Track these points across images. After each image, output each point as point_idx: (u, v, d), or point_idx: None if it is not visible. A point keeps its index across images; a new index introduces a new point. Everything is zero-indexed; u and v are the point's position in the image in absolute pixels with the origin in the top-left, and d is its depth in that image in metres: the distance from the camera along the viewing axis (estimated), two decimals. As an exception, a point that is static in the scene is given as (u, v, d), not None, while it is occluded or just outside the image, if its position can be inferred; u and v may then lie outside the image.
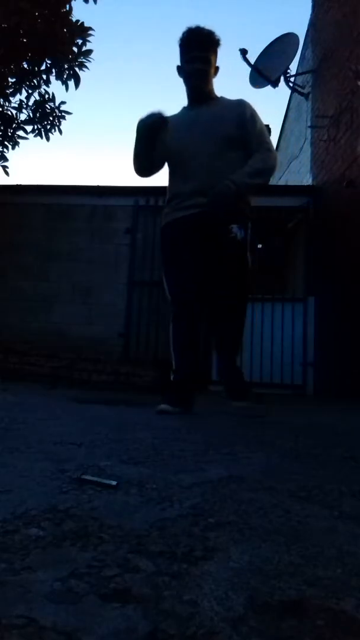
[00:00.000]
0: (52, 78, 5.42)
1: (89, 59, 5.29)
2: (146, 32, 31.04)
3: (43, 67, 5.38)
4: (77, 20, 5.12)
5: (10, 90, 5.49)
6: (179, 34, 2.57)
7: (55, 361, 4.82)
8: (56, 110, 5.61)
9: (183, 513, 0.83)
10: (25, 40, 5.08)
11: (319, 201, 5.64)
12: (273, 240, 6.75)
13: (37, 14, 4.90)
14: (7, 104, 5.61)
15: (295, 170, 7.02)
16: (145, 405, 2.77)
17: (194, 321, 2.54)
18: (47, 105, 5.60)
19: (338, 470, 1.27)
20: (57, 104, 5.59)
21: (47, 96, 5.58)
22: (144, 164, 2.66)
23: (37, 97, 5.59)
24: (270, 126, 6.48)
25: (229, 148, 2.51)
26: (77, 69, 5.30)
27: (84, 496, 0.89)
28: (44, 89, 5.56)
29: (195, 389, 2.56)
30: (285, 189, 6.38)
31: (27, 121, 5.66)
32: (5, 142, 5.69)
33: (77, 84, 5.33)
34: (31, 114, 5.64)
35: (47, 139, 5.64)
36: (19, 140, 5.71)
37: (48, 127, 5.63)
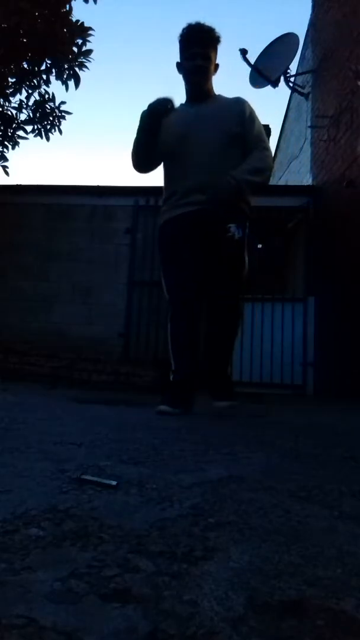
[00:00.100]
0: (52, 78, 5.42)
1: (89, 59, 5.30)
2: (146, 32, 31.05)
3: (43, 67, 5.37)
4: (77, 20, 5.12)
5: (10, 90, 5.48)
6: (179, 33, 2.56)
7: (55, 361, 4.82)
8: (56, 110, 5.61)
9: (183, 513, 0.83)
10: (25, 40, 5.07)
11: (319, 201, 5.64)
12: (273, 240, 6.75)
13: (37, 14, 4.90)
14: (7, 104, 5.61)
15: (295, 170, 7.02)
16: (145, 405, 2.77)
17: (193, 320, 2.52)
18: (47, 105, 5.60)
19: (338, 470, 1.27)
20: (57, 104, 5.60)
21: (47, 96, 5.58)
22: (145, 157, 2.61)
23: (37, 97, 5.60)
24: (270, 126, 6.50)
25: (230, 145, 2.50)
26: (77, 69, 5.30)
27: (84, 496, 0.89)
28: (44, 89, 5.57)
29: (195, 389, 2.55)
30: (285, 189, 6.38)
31: (27, 121, 5.66)
32: (5, 142, 5.69)
33: (77, 84, 5.33)
34: (31, 114, 5.64)
35: (47, 139, 5.64)
36: (19, 140, 5.71)
37: (48, 127, 5.63)
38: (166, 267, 2.61)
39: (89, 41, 5.24)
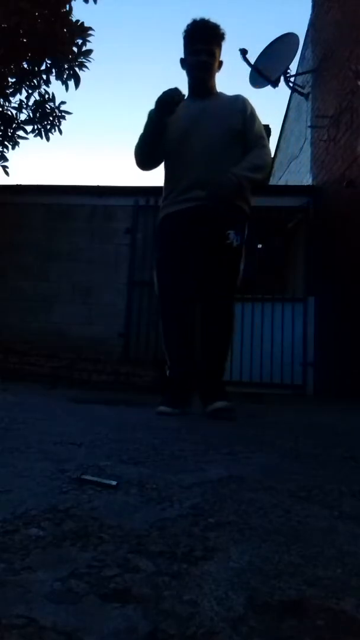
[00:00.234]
0: (52, 78, 5.42)
1: (89, 59, 5.30)
2: (146, 32, 31.05)
3: (43, 67, 5.37)
4: (77, 20, 5.12)
5: (10, 90, 5.48)
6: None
7: (55, 361, 4.82)
8: (56, 110, 5.61)
9: (183, 513, 0.83)
10: (25, 40, 5.07)
11: (319, 201, 5.64)
12: (273, 240, 6.75)
13: (37, 14, 4.90)
14: (7, 104, 5.61)
15: (295, 170, 7.02)
16: (145, 405, 2.77)
17: (188, 319, 2.50)
18: (47, 105, 5.60)
19: (338, 470, 1.27)
20: (57, 104, 5.60)
21: (47, 96, 5.58)
22: (150, 153, 2.58)
23: (37, 97, 5.60)
24: (270, 126, 6.50)
25: (231, 143, 2.50)
26: (77, 69, 5.30)
27: (84, 496, 0.89)
28: (44, 89, 5.57)
29: (193, 388, 2.54)
30: (285, 189, 6.39)
31: (27, 121, 5.66)
32: (5, 142, 5.69)
33: (77, 84, 5.33)
34: (31, 114, 5.64)
35: (47, 139, 5.64)
36: (19, 140, 5.71)
37: (48, 127, 5.63)
38: (161, 263, 2.58)
39: (89, 41, 5.24)
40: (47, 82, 5.50)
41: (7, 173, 5.73)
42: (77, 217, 5.96)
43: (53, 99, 5.59)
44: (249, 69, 6.17)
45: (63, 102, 5.60)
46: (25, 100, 5.60)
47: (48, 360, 4.82)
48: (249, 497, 0.94)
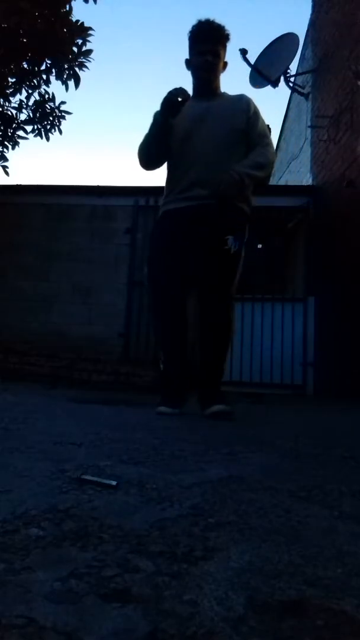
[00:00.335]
0: (52, 78, 5.42)
1: (89, 59, 5.29)
2: (146, 32, 31.05)
3: (43, 67, 5.37)
4: (77, 20, 5.11)
5: (10, 90, 5.48)
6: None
7: (55, 361, 4.82)
8: (56, 110, 5.60)
9: (183, 513, 0.83)
10: (25, 40, 5.07)
11: (319, 201, 5.64)
12: (273, 240, 6.75)
13: (37, 14, 4.89)
14: (7, 104, 5.61)
15: (295, 170, 7.02)
16: (145, 405, 2.77)
17: (178, 313, 2.50)
18: (47, 105, 5.59)
19: (338, 470, 1.27)
20: (57, 104, 5.59)
21: (47, 96, 5.58)
22: (156, 154, 2.57)
23: (37, 97, 5.59)
24: (270, 126, 6.49)
25: (235, 142, 2.50)
26: (77, 69, 5.30)
27: (84, 496, 0.89)
28: (44, 89, 5.56)
29: (188, 386, 2.53)
30: (285, 189, 6.39)
31: (27, 121, 5.65)
32: (5, 142, 5.68)
33: (77, 84, 5.33)
34: (31, 114, 5.63)
35: (47, 139, 5.64)
36: (19, 140, 5.71)
37: (48, 127, 5.63)
38: (155, 258, 2.58)
39: (89, 41, 5.24)
40: (47, 82, 5.50)
41: (7, 173, 5.73)
42: (77, 217, 5.96)
43: (53, 99, 5.59)
44: (249, 69, 6.18)
45: (63, 102, 5.61)
46: (25, 100, 5.60)
47: (48, 360, 4.82)
48: (249, 497, 0.94)
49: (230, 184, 2.38)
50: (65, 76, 5.30)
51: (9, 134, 5.67)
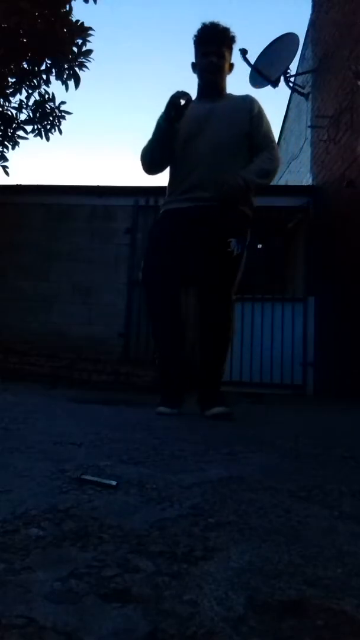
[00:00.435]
0: (52, 78, 5.42)
1: (89, 59, 5.29)
2: (146, 32, 31.05)
3: (43, 67, 5.37)
4: (77, 20, 5.11)
5: (10, 90, 5.48)
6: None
7: (55, 361, 4.82)
8: (56, 110, 5.60)
9: (183, 513, 0.83)
10: (25, 40, 5.07)
11: (319, 201, 5.64)
12: (273, 240, 6.75)
13: (37, 14, 4.89)
14: (7, 104, 5.61)
15: (295, 170, 7.02)
16: (145, 405, 2.77)
17: (178, 316, 2.49)
18: (47, 105, 5.59)
19: (338, 470, 1.27)
20: (57, 104, 5.59)
21: (47, 96, 5.58)
22: (160, 158, 2.55)
23: (37, 97, 5.59)
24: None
25: (238, 144, 2.49)
26: (77, 69, 5.29)
27: (84, 496, 0.89)
28: (44, 89, 5.56)
29: (187, 385, 2.52)
30: (285, 189, 6.38)
31: (27, 121, 5.65)
32: (5, 142, 5.68)
33: (77, 84, 5.33)
34: (31, 114, 5.63)
35: (47, 139, 5.64)
36: (19, 140, 5.71)
37: (48, 127, 5.63)
38: (152, 254, 2.56)
39: (89, 41, 5.24)
40: (47, 82, 5.50)
41: (7, 173, 5.73)
42: (77, 217, 5.96)
43: (53, 99, 5.59)
44: (249, 69, 6.18)
45: (63, 102, 5.61)
46: (25, 100, 5.60)
47: (48, 360, 4.82)
48: (249, 497, 0.94)
49: (234, 189, 2.37)
50: (65, 76, 5.30)
51: (9, 134, 5.67)
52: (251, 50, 6.05)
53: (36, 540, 0.68)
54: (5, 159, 5.71)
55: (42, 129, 5.62)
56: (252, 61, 6.10)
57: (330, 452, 1.51)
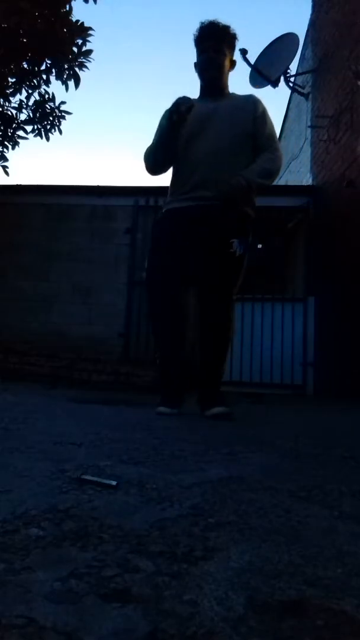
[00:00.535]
0: (52, 78, 5.42)
1: (89, 59, 5.29)
2: (146, 32, 31.05)
3: (43, 67, 5.37)
4: (77, 20, 5.11)
5: (10, 90, 5.48)
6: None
7: (55, 361, 4.82)
8: (56, 110, 5.60)
9: (183, 513, 0.83)
10: (25, 40, 5.07)
11: (319, 201, 5.64)
12: (273, 240, 6.74)
13: (37, 14, 4.89)
14: (7, 104, 5.61)
15: (295, 170, 7.01)
16: (145, 405, 2.77)
17: (179, 316, 2.49)
18: (47, 105, 5.59)
19: (338, 470, 1.27)
20: (57, 104, 5.59)
21: (47, 96, 5.58)
22: (163, 160, 2.55)
23: (37, 97, 5.59)
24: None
25: (241, 144, 2.48)
26: (77, 69, 5.29)
27: (84, 496, 0.89)
28: (44, 89, 5.56)
29: (187, 385, 2.52)
30: (285, 189, 6.38)
31: (27, 121, 5.65)
32: (5, 142, 5.68)
33: (77, 84, 5.33)
34: (31, 114, 5.63)
35: (47, 139, 5.64)
36: (19, 140, 5.71)
37: (48, 127, 5.63)
38: (154, 254, 2.56)
39: (89, 41, 5.24)
40: (47, 82, 5.50)
41: (7, 173, 5.73)
42: (77, 217, 5.96)
43: (53, 99, 5.59)
44: (249, 69, 6.18)
45: (63, 102, 5.60)
46: (25, 100, 5.60)
47: (48, 360, 4.82)
48: (249, 497, 0.94)
49: (237, 189, 2.37)
50: (65, 76, 5.30)
51: (9, 134, 5.67)
52: (251, 50, 6.07)
53: (36, 540, 0.68)
54: (5, 159, 5.71)
55: (42, 129, 5.62)
56: (252, 61, 6.10)
57: (330, 452, 1.51)
